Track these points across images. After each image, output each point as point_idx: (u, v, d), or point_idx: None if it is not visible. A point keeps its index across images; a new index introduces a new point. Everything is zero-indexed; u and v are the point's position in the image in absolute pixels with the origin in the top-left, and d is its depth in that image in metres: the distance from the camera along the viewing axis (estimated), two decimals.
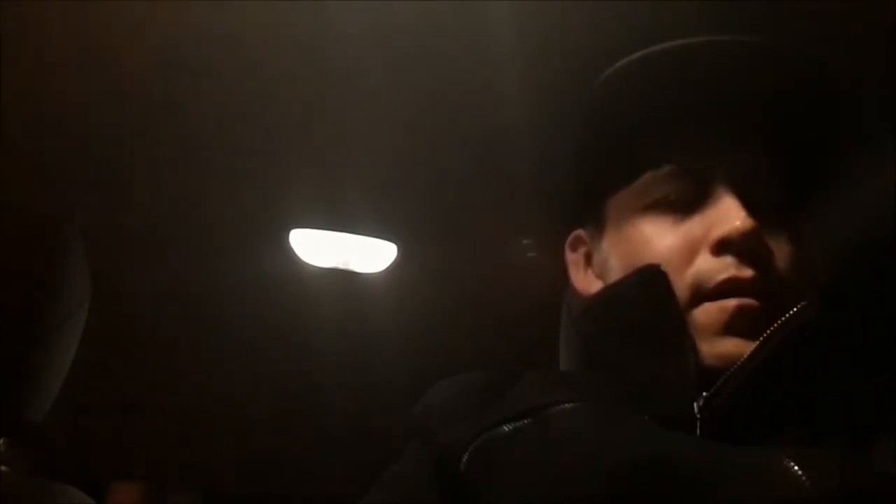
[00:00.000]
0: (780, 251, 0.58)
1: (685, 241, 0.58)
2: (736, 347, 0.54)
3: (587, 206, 0.69)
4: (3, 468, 0.80)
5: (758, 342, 0.53)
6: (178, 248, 1.36)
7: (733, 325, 0.55)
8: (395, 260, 1.39)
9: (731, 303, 0.55)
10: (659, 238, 0.59)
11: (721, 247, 0.55)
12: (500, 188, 1.17)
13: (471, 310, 1.52)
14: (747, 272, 0.55)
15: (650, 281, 0.57)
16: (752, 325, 0.55)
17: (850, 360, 0.59)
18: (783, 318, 0.53)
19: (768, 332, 0.53)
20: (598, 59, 0.67)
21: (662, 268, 0.57)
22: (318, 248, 1.40)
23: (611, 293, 0.62)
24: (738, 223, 0.55)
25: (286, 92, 1.00)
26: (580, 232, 0.70)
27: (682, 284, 0.57)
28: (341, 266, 1.42)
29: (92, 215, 1.23)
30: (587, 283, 0.68)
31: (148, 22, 0.89)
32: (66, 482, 0.89)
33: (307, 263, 1.41)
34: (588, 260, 0.69)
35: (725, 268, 0.55)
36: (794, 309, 0.53)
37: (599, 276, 0.67)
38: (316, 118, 1.05)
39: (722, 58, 0.61)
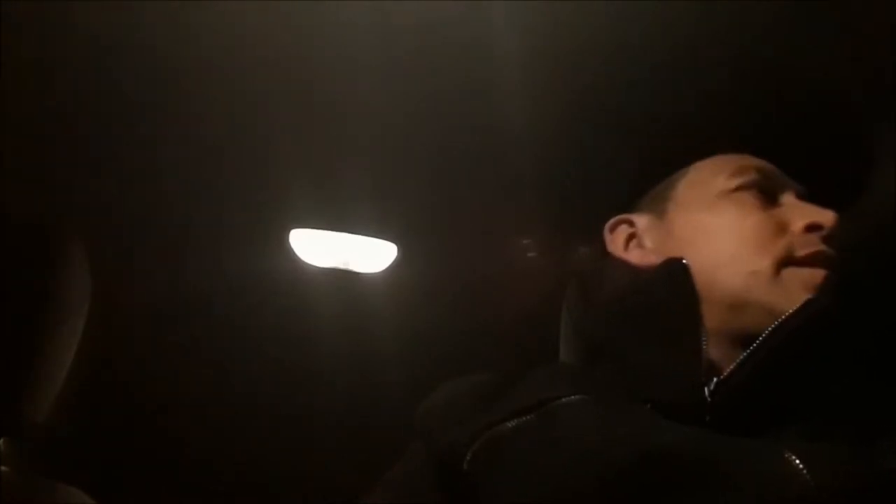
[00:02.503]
0: None
1: (773, 221, 0.69)
2: None
3: (646, 193, 0.79)
4: (3, 468, 0.80)
5: (771, 328, 0.57)
6: (177, 249, 1.36)
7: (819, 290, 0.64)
8: (395, 260, 1.38)
9: (822, 272, 0.64)
10: (747, 215, 0.69)
11: (813, 227, 0.67)
12: (500, 188, 1.17)
13: (471, 310, 1.52)
14: (832, 252, 0.66)
15: (674, 272, 0.63)
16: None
17: (860, 355, 0.62)
18: (795, 308, 0.58)
19: (781, 318, 0.57)
20: (597, 60, 0.67)
21: (685, 261, 0.65)
22: (318, 248, 1.39)
23: (636, 283, 0.67)
24: (830, 214, 0.67)
25: (286, 91, 1.00)
26: (625, 216, 0.78)
27: (771, 251, 0.66)
28: (341, 266, 1.42)
29: (91, 216, 1.23)
30: (643, 256, 0.75)
31: (147, 21, 0.89)
32: (66, 482, 0.89)
33: (307, 263, 1.40)
34: (630, 239, 0.75)
35: (816, 243, 0.66)
36: (806, 298, 0.58)
37: (658, 252, 0.72)
38: (316, 118, 1.05)
39: None
